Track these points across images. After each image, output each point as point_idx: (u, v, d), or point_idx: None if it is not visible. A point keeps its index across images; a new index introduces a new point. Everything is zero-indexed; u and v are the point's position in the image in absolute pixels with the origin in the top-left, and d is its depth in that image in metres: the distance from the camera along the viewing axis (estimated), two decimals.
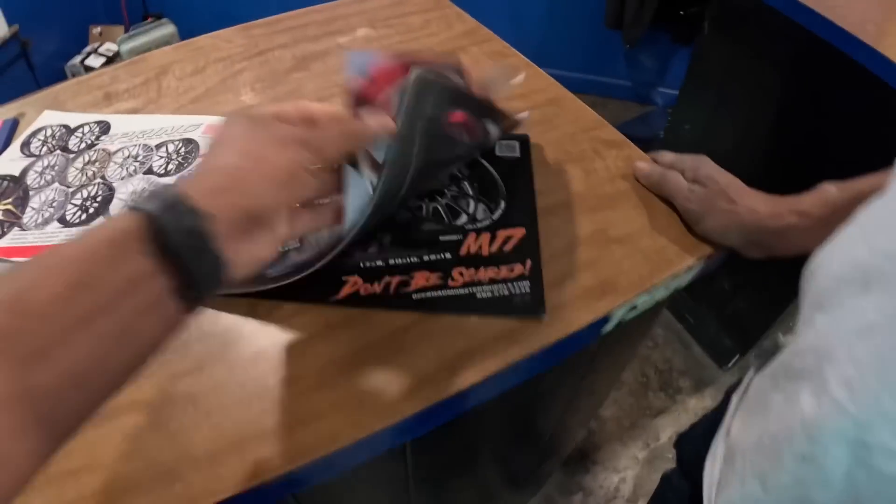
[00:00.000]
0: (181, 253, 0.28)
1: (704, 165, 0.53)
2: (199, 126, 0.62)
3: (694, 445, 0.62)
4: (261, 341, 0.45)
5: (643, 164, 0.56)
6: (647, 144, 0.61)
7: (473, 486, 0.90)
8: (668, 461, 1.29)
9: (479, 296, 0.47)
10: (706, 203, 0.51)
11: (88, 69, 1.93)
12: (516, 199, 0.54)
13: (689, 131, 1.25)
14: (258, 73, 0.69)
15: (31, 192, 0.57)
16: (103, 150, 0.60)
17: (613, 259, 0.51)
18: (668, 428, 1.33)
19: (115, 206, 0.55)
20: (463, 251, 0.50)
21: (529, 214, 0.53)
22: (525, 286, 0.48)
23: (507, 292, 0.47)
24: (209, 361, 0.44)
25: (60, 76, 2.02)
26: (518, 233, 0.51)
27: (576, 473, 1.27)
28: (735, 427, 0.43)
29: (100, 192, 0.56)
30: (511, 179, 0.56)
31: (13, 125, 0.66)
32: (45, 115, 0.66)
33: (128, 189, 0.56)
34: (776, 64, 1.01)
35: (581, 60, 1.82)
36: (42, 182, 0.58)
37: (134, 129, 0.62)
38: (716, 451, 0.44)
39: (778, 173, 1.04)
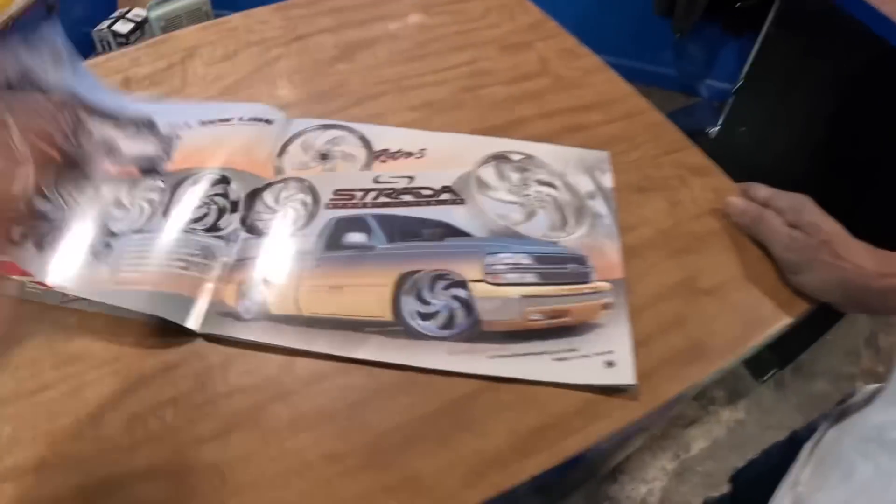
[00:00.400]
0: None
1: (807, 209, 0.45)
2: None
3: (752, 485, 0.58)
4: (300, 404, 0.38)
5: (737, 200, 0.47)
6: (692, 138, 0.55)
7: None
8: (698, 474, 1.23)
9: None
10: (807, 254, 0.43)
11: (116, 35, 1.82)
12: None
13: (746, 134, 1.15)
14: (297, 61, 0.60)
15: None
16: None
17: (704, 315, 0.43)
18: (700, 439, 1.27)
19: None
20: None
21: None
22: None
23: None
24: (239, 425, 0.37)
25: (87, 42, 1.91)
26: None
27: (603, 483, 1.21)
28: (806, 480, 0.41)
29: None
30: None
31: None
32: None
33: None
34: (843, 71, 0.92)
35: (625, 46, 1.67)
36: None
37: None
38: (782, 500, 0.42)
39: (836, 183, 0.95)
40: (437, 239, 0.45)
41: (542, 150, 0.51)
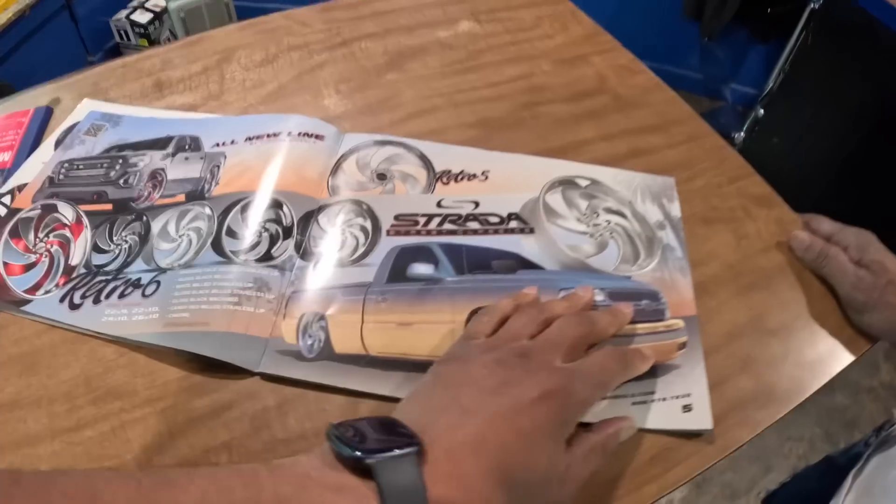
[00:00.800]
0: None
1: (872, 247, 0.43)
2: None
3: None
4: None
5: (803, 235, 0.45)
6: None
7: None
8: (718, 485, 1.22)
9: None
10: (873, 294, 0.41)
11: (135, 24, 1.75)
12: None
13: (778, 144, 1.13)
14: (343, 69, 0.56)
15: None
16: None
17: (771, 358, 0.41)
18: None
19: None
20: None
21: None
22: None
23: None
24: None
25: (105, 31, 1.84)
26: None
27: None
28: None
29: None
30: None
31: (46, 115, 0.53)
32: (84, 104, 0.54)
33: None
34: (879, 83, 0.89)
35: (651, 48, 1.63)
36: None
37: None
38: None
39: (869, 197, 0.93)
40: (508, 271, 0.42)
41: (608, 175, 0.48)
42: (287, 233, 0.43)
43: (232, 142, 0.49)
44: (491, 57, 0.57)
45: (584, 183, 0.48)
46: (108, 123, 0.52)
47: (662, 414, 0.38)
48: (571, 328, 0.34)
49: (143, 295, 0.41)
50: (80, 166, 0.49)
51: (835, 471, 0.51)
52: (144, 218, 0.45)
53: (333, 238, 0.43)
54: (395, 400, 0.37)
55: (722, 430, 0.37)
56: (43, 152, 0.50)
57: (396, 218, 0.44)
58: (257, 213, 0.44)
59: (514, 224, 0.44)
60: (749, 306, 0.43)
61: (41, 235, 0.44)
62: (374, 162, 0.48)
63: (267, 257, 0.42)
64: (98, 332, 0.40)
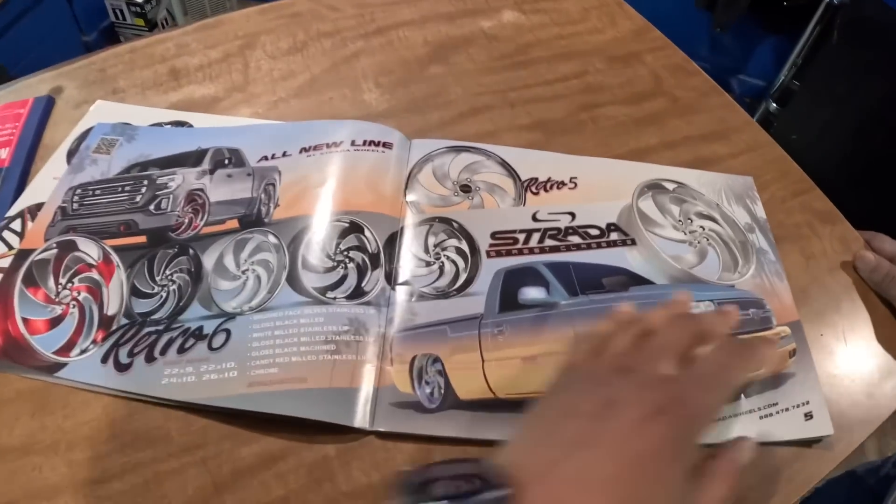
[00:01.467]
0: None
1: None
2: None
3: None
4: None
5: (868, 255, 0.43)
6: None
7: None
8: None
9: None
10: None
11: (130, 3, 1.52)
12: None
13: (796, 141, 1.11)
14: (381, 60, 0.48)
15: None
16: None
17: (842, 382, 0.38)
18: None
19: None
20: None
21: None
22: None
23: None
24: None
25: (100, 10, 1.58)
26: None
27: None
28: None
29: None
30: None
31: (47, 106, 0.43)
32: (98, 107, 0.43)
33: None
34: None
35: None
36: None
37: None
38: None
39: (889, 198, 0.91)
40: (620, 288, 0.38)
41: (692, 177, 0.44)
42: (374, 261, 0.36)
43: (284, 154, 0.40)
44: (541, 52, 0.51)
45: (671, 186, 0.44)
46: (122, 137, 0.42)
47: (787, 424, 0.35)
48: (676, 331, 0.29)
49: (211, 348, 0.32)
50: (97, 191, 0.38)
51: (862, 490, 0.51)
52: (191, 251, 0.36)
53: (427, 264, 0.37)
54: None
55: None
56: (54, 165, 0.40)
57: (493, 236, 0.38)
58: (335, 239, 0.36)
59: (615, 236, 0.40)
60: (819, 328, 0.39)
61: (63, 281, 0.34)
62: (454, 172, 0.41)
63: (358, 293, 0.34)
64: (162, 399, 0.31)
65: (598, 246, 0.40)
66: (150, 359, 0.32)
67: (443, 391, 0.32)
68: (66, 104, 0.44)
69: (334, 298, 0.34)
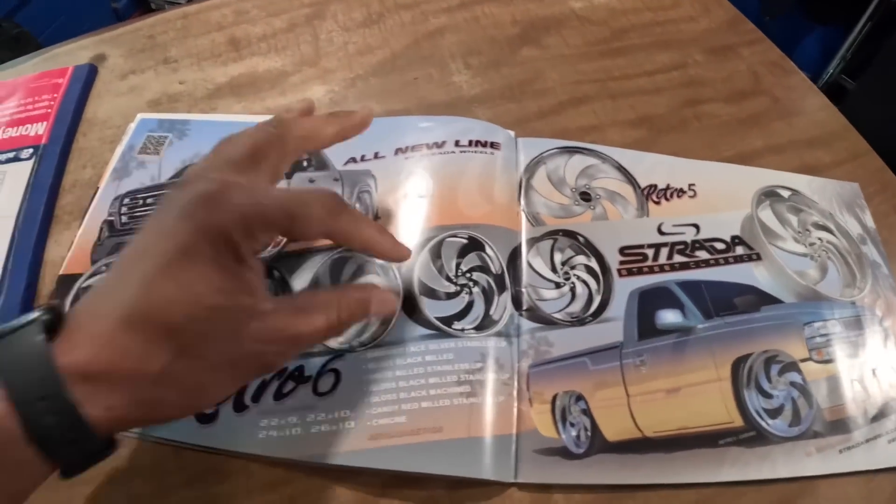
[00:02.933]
0: (53, 449, 0.18)
1: None
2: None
3: None
4: None
5: None
6: None
7: None
8: None
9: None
10: None
11: None
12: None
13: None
14: (468, 38, 0.40)
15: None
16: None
17: None
18: None
19: None
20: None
21: None
22: None
23: None
24: None
25: None
26: None
27: None
28: None
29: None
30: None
31: (89, 76, 0.36)
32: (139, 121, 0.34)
33: None
34: None
35: None
36: None
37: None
38: None
39: None
40: (752, 309, 0.32)
41: (803, 183, 0.39)
42: (500, 284, 0.30)
43: (376, 155, 0.32)
44: (637, 38, 0.43)
45: (786, 194, 0.39)
46: (171, 133, 0.34)
47: None
48: (256, 134, 0.24)
49: (317, 392, 0.26)
50: (149, 200, 0.31)
51: None
52: (276, 273, 0.29)
53: (558, 286, 0.31)
54: (684, 486, 0.27)
55: None
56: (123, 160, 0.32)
57: (622, 252, 0.32)
58: (454, 259, 0.29)
59: (740, 250, 0.35)
60: None
61: None
62: (570, 177, 0.34)
63: (487, 322, 0.28)
64: (260, 455, 0.25)
65: (726, 262, 0.34)
66: (239, 407, 0.26)
67: (589, 433, 0.27)
68: (111, 73, 0.36)
69: (462, 330, 0.28)
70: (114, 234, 0.31)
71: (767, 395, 0.30)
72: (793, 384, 0.31)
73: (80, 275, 0.30)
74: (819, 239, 0.37)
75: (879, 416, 0.31)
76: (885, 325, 0.34)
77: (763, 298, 0.34)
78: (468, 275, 0.29)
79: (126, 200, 0.33)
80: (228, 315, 0.19)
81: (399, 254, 0.25)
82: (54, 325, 0.19)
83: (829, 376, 0.32)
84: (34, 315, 0.19)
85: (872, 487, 0.30)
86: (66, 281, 0.30)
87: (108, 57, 0.39)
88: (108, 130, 0.37)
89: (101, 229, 0.32)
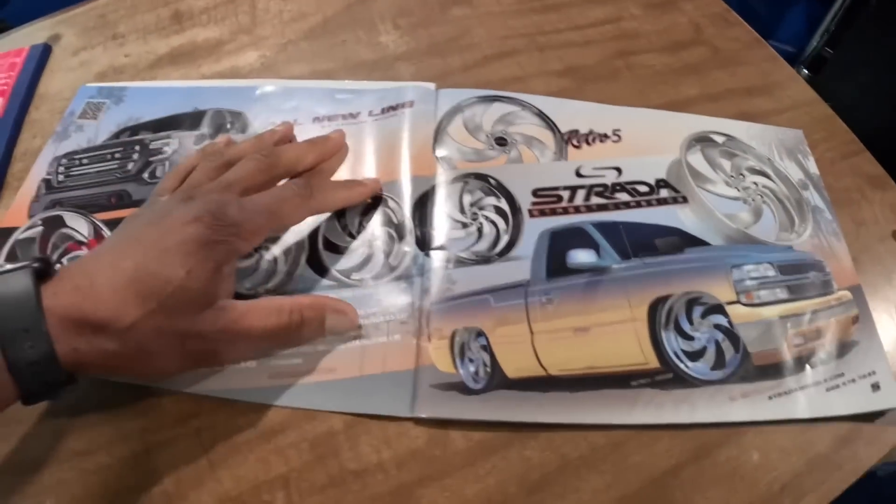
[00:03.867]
0: (23, 376, 0.20)
1: None
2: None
3: None
4: (458, 488, 0.23)
5: None
6: None
7: None
8: None
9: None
10: None
11: None
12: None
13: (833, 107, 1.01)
14: (400, 0, 0.39)
15: None
16: None
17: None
18: None
19: None
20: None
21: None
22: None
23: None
24: None
25: None
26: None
27: None
28: None
29: None
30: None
31: (43, 55, 0.37)
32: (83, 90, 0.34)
33: None
34: None
35: None
36: None
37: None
38: None
39: None
40: (675, 251, 0.30)
41: (741, 129, 0.36)
42: (400, 232, 0.28)
43: (295, 122, 0.32)
44: None
45: (720, 139, 0.36)
46: (109, 99, 0.34)
47: (854, 396, 0.28)
48: (249, 165, 0.26)
49: None
50: (84, 160, 0.31)
51: (876, 483, 0.44)
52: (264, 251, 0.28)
53: (466, 226, 0.29)
54: (591, 427, 0.25)
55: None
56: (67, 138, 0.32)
57: (535, 194, 0.30)
58: (356, 217, 0.29)
59: (665, 193, 0.32)
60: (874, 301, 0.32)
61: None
62: (487, 123, 0.33)
63: (385, 270, 0.27)
64: (173, 389, 0.24)
65: (648, 204, 0.32)
66: None
67: (489, 369, 0.25)
68: (64, 52, 0.37)
69: (360, 280, 0.27)
70: (50, 192, 0.31)
71: (688, 337, 0.28)
72: (717, 326, 0.28)
73: (16, 228, 0.30)
74: (754, 183, 0.35)
75: (817, 363, 0.28)
76: (826, 270, 0.32)
77: (688, 241, 0.31)
78: (368, 229, 0.28)
79: (63, 161, 0.32)
80: (196, 299, 0.22)
81: (373, 191, 0.29)
82: (42, 273, 0.21)
83: (759, 320, 0.29)
84: (25, 262, 0.21)
85: (808, 438, 0.27)
86: (4, 233, 0.30)
87: (62, 36, 0.39)
88: (57, 103, 0.38)
89: (39, 187, 0.31)
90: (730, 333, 0.28)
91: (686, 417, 0.26)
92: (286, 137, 0.30)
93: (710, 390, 0.27)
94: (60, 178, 0.31)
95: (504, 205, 0.29)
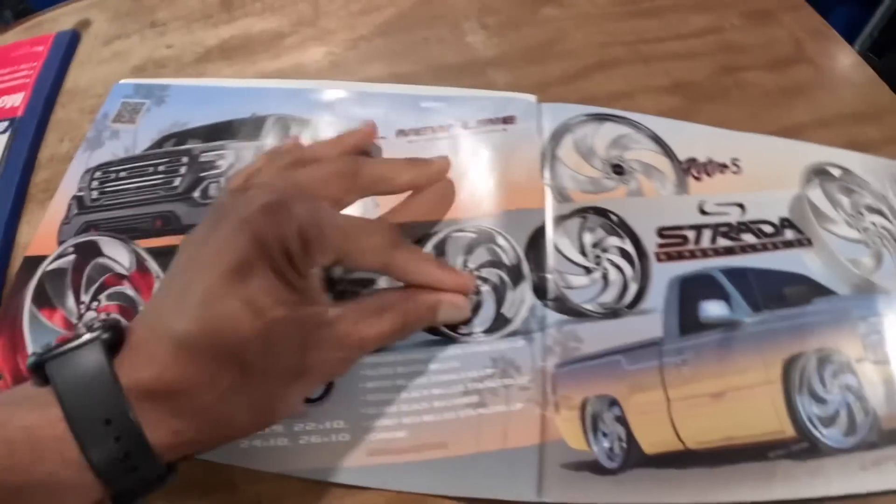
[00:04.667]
0: (111, 475, 0.16)
1: None
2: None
3: None
4: None
5: None
6: None
7: None
8: None
9: None
10: None
11: None
12: None
13: None
14: None
15: None
16: None
17: None
18: None
19: None
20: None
21: None
22: None
23: None
24: None
25: None
26: None
27: None
28: None
29: None
30: None
31: (70, 43, 0.31)
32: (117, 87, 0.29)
33: None
34: None
35: None
36: None
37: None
38: None
39: None
40: (802, 301, 0.26)
41: (855, 162, 0.32)
42: (515, 275, 0.24)
43: (378, 137, 0.26)
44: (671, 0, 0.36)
45: (836, 172, 0.32)
46: (149, 100, 0.28)
47: None
48: (327, 167, 0.21)
49: (306, 400, 0.21)
50: (122, 174, 0.25)
51: None
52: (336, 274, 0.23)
53: (588, 271, 0.25)
54: None
55: None
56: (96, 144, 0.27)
57: (660, 234, 0.26)
58: (459, 257, 0.24)
59: (790, 234, 0.28)
60: None
61: (86, 299, 0.22)
62: (600, 147, 0.28)
63: (499, 322, 0.23)
64: (252, 468, 0.20)
65: (774, 247, 0.28)
66: None
67: (625, 445, 0.22)
68: (95, 40, 0.31)
69: (469, 334, 0.22)
70: (83, 211, 0.26)
71: (821, 401, 0.25)
72: (848, 388, 0.26)
73: (45, 257, 0.25)
74: (872, 224, 0.31)
75: None
76: None
77: (815, 289, 0.27)
78: (476, 273, 0.24)
79: (97, 174, 0.27)
80: (292, 327, 0.17)
81: (464, 287, 0.22)
82: (114, 344, 0.17)
83: (885, 379, 0.26)
84: (93, 334, 0.17)
85: None
86: (31, 263, 0.24)
87: (92, 22, 0.33)
88: (88, 101, 0.31)
89: (70, 206, 0.26)
90: (860, 395, 0.25)
91: (822, 491, 0.23)
92: (369, 138, 0.25)
93: (843, 459, 0.24)
94: (94, 194, 0.26)
95: (629, 246, 0.25)
